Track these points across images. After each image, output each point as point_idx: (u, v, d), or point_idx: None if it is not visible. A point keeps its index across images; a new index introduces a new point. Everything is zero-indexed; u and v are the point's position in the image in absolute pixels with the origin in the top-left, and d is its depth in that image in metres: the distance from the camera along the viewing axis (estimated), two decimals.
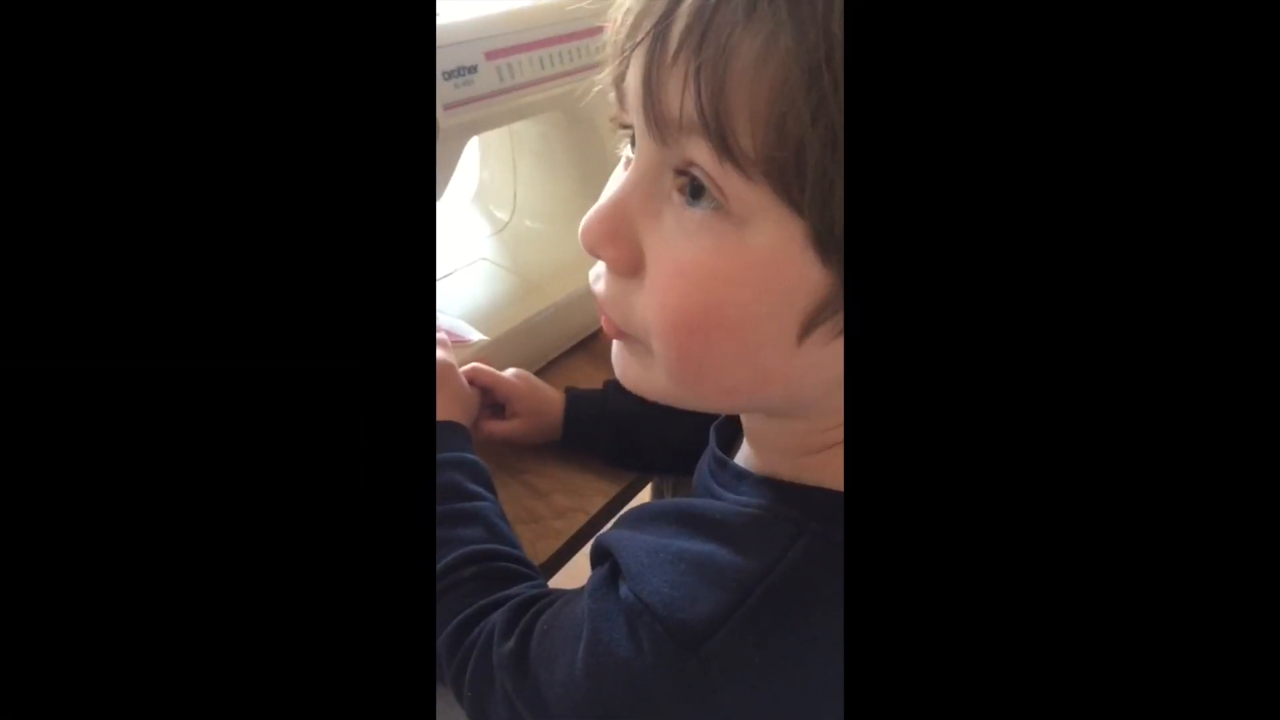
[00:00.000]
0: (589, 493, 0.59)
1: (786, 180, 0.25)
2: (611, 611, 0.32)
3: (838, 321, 0.27)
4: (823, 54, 0.23)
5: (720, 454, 0.37)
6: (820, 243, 0.26)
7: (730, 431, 0.40)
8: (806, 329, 0.28)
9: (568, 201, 0.76)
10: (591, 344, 0.73)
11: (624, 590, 0.32)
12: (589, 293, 0.70)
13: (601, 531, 0.37)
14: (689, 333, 0.29)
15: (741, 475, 0.35)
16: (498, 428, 0.59)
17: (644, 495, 0.69)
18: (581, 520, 0.57)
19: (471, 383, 0.58)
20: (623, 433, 0.59)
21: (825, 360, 0.29)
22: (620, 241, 0.31)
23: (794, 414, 0.33)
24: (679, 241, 0.29)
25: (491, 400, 0.60)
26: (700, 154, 0.26)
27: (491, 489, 0.50)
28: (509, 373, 0.60)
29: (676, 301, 0.29)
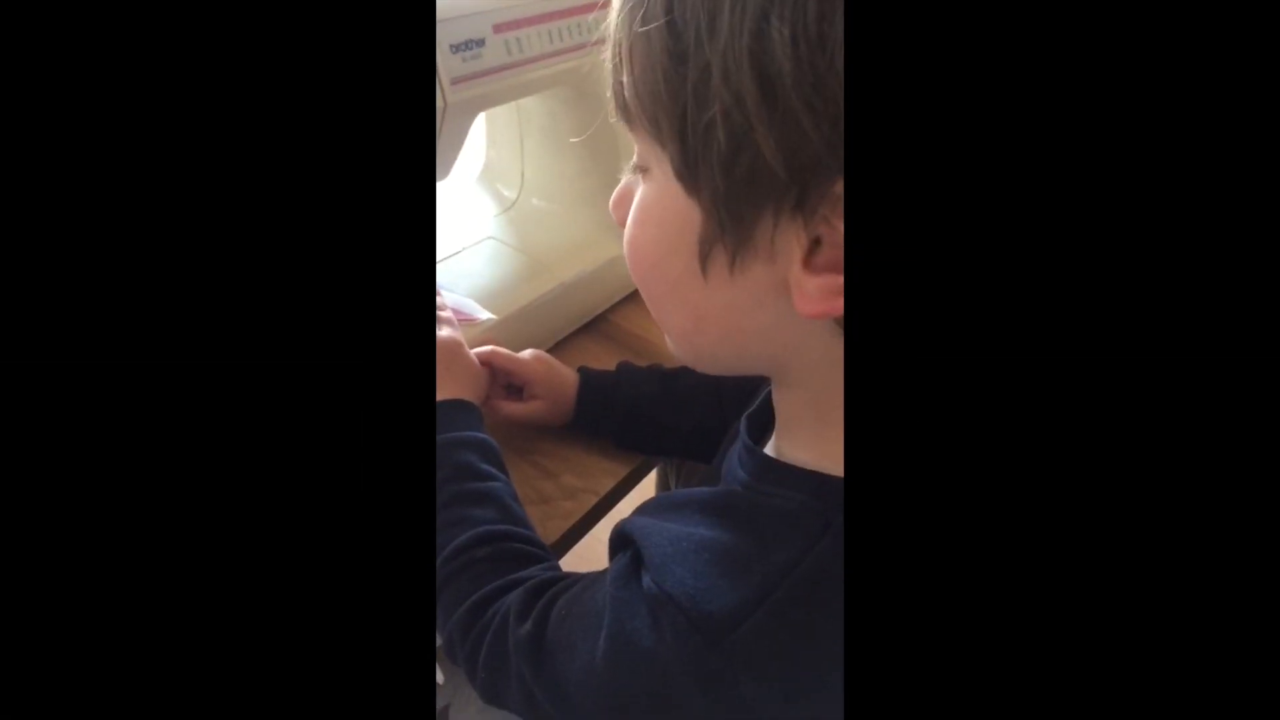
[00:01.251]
0: (598, 473, 0.59)
1: (659, 125, 0.29)
2: (634, 601, 0.32)
3: (722, 253, 0.30)
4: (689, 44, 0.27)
5: (750, 443, 0.37)
6: (679, 174, 0.29)
7: (762, 422, 0.40)
8: (703, 262, 0.30)
9: (575, 180, 0.75)
10: (600, 324, 0.73)
11: (646, 580, 0.32)
12: (597, 272, 0.71)
13: (623, 518, 0.37)
14: (635, 276, 0.34)
15: (769, 465, 0.35)
16: (516, 409, 0.59)
17: (650, 477, 0.69)
18: (591, 501, 0.57)
19: (486, 364, 0.57)
20: (633, 416, 0.58)
21: (742, 301, 0.31)
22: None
23: (782, 381, 0.36)
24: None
25: (507, 382, 0.60)
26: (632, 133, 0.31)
27: (504, 469, 0.50)
28: (526, 354, 0.60)
29: (625, 249, 0.34)
